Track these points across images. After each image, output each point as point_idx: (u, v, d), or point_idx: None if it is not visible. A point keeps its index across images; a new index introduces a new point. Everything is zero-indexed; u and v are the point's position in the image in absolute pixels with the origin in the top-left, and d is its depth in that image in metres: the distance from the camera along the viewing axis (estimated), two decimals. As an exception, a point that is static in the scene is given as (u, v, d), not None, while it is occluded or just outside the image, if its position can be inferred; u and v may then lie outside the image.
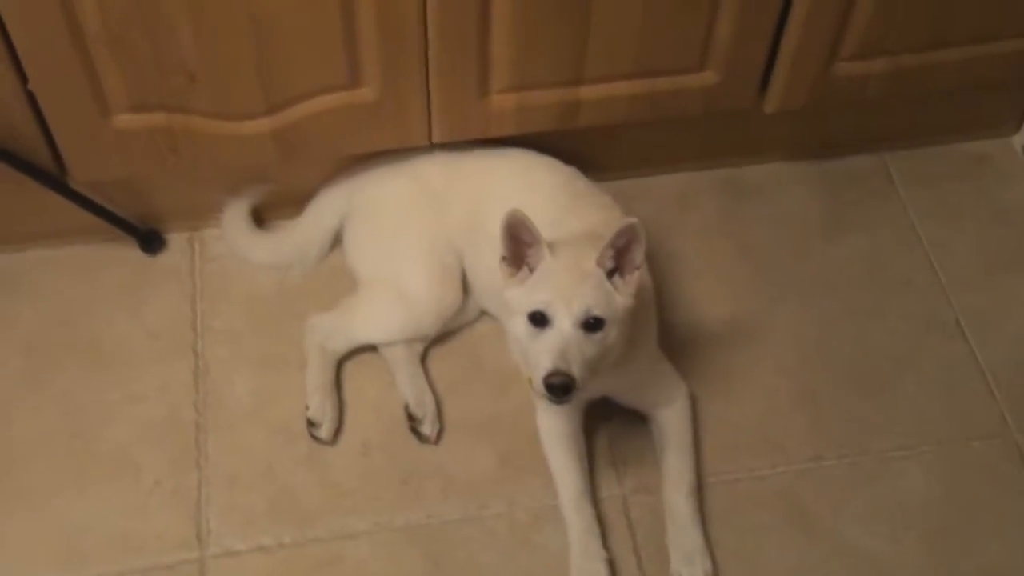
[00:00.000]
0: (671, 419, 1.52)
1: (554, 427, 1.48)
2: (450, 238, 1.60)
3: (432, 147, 1.61)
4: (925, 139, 1.88)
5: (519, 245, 1.31)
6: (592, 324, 1.29)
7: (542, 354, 1.27)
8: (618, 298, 1.31)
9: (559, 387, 1.26)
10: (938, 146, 1.89)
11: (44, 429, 1.55)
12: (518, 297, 1.32)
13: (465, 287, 1.63)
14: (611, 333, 1.30)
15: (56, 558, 1.45)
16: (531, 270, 1.32)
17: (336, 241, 1.72)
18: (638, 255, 1.30)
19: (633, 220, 1.27)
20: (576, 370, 1.26)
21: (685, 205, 1.80)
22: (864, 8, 1.50)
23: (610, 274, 1.31)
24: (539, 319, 1.29)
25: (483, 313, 1.66)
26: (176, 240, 1.74)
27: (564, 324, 1.28)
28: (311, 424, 1.55)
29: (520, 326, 1.31)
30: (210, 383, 1.60)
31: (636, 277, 1.31)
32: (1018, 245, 1.73)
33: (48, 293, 1.67)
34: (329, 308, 1.62)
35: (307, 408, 1.56)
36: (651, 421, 1.54)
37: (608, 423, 1.56)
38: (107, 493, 1.50)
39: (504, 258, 1.32)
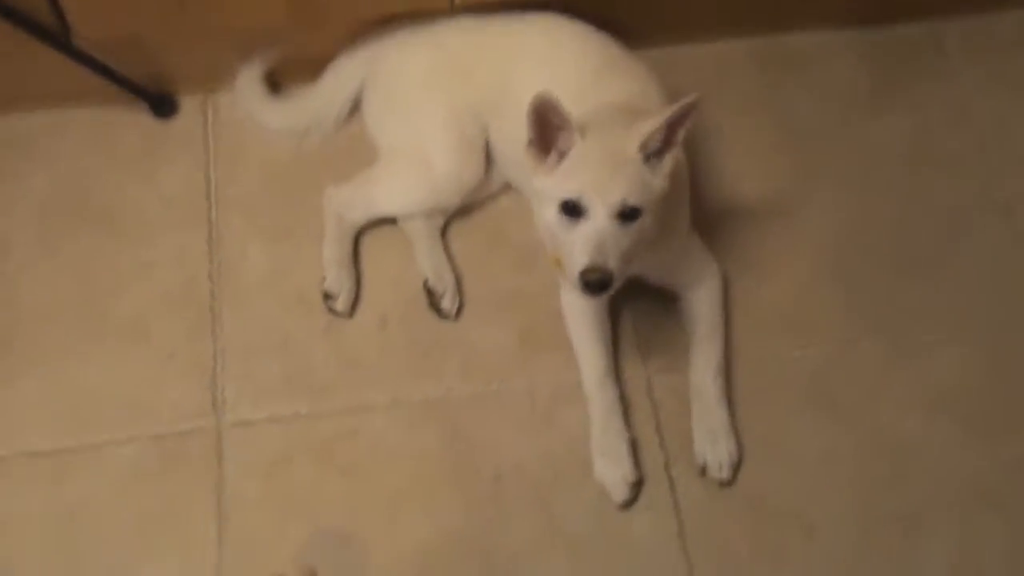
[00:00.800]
0: (702, 299, 1.48)
1: (579, 305, 1.44)
2: (474, 108, 1.52)
3: (454, 12, 1.51)
4: (985, 3, 1.74)
5: (548, 128, 1.23)
6: (628, 214, 1.23)
7: (577, 248, 1.22)
8: (654, 183, 1.25)
9: (596, 283, 1.21)
10: (999, 12, 1.75)
11: (57, 295, 1.52)
12: (548, 186, 1.25)
13: (488, 159, 1.55)
14: (647, 221, 1.25)
15: (65, 422, 1.44)
16: (560, 156, 1.24)
17: (355, 108, 1.65)
18: (681, 134, 1.23)
19: (696, 96, 1.20)
20: (613, 264, 1.21)
21: (723, 76, 1.71)
22: None
23: (646, 157, 1.23)
24: (572, 209, 1.23)
25: (507, 186, 1.60)
26: (189, 104, 1.68)
27: (599, 216, 1.22)
28: (327, 296, 1.52)
29: (551, 215, 1.24)
30: (224, 252, 1.56)
31: (672, 158, 1.24)
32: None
33: (60, 157, 1.63)
34: (348, 178, 1.57)
35: (323, 280, 1.52)
36: (681, 300, 1.50)
37: (634, 303, 1.51)
38: (120, 360, 1.48)
39: (531, 142, 1.24)
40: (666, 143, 1.24)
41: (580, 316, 1.45)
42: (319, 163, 1.62)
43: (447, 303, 1.52)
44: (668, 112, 1.20)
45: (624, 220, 1.23)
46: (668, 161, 1.24)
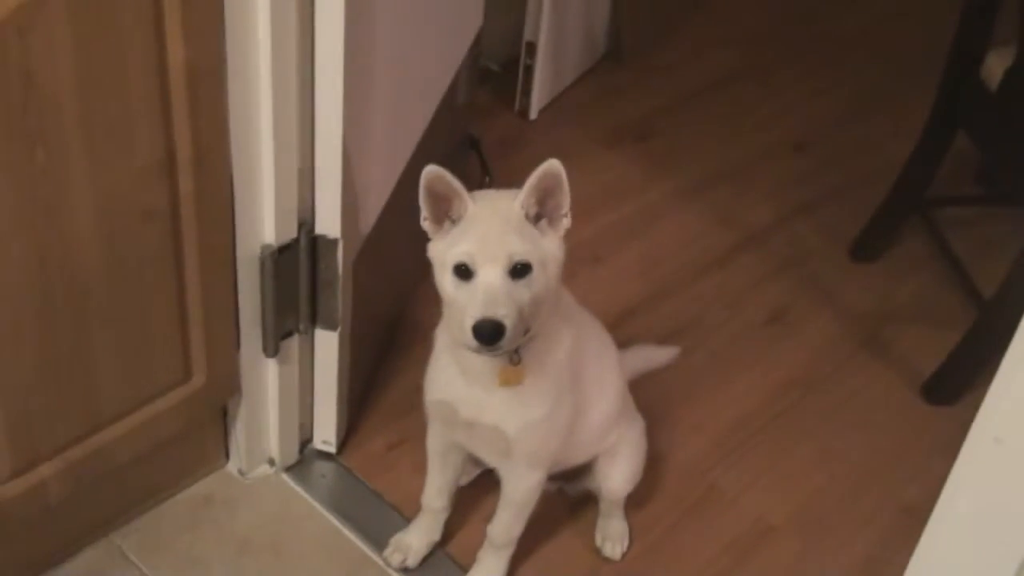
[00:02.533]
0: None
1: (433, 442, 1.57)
2: None
3: None
4: (147, 503, 1.73)
5: (439, 201, 1.28)
6: (519, 270, 1.25)
7: (469, 304, 1.23)
8: (545, 242, 1.28)
9: (487, 333, 1.21)
10: (163, 504, 1.74)
11: None
12: (440, 250, 1.28)
13: None
14: (539, 280, 1.26)
15: None
16: (453, 223, 1.28)
17: None
18: (564, 201, 1.27)
19: (554, 161, 1.24)
20: (504, 314, 1.22)
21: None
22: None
23: (537, 219, 1.27)
24: (464, 271, 1.26)
25: None
26: None
27: (490, 273, 1.25)
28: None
29: (447, 282, 1.28)
30: None
31: (564, 224, 1.29)
32: (265, 568, 1.71)
33: None
34: None
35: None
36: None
37: None
38: None
39: (425, 217, 1.29)
40: (545, 209, 1.28)
41: (433, 445, 1.59)
42: None
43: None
44: (532, 179, 1.26)
45: (515, 276, 1.25)
46: (561, 224, 1.29)
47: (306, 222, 1.59)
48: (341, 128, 1.50)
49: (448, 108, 2.13)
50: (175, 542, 1.71)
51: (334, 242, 1.60)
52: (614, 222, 2.39)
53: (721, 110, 2.79)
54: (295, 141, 1.50)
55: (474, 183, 2.43)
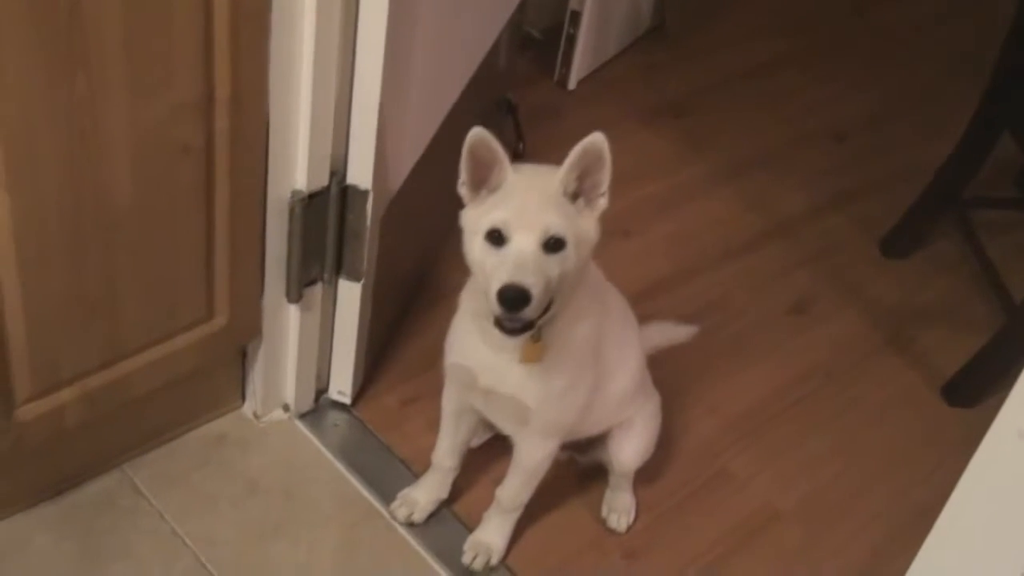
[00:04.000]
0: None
1: (448, 402, 1.58)
2: None
3: None
4: (161, 438, 1.74)
5: (480, 167, 1.26)
6: (552, 244, 1.24)
7: (499, 269, 1.22)
8: (581, 221, 1.27)
9: (513, 299, 1.20)
10: (176, 440, 1.76)
11: None
12: (475, 216, 1.27)
13: None
14: (571, 257, 1.25)
15: None
16: (491, 192, 1.27)
17: None
18: (604, 180, 1.26)
19: (598, 135, 1.23)
20: (532, 283, 1.21)
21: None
22: (18, 346, 1.42)
23: (574, 197, 1.26)
24: (497, 237, 1.25)
25: None
26: None
27: (523, 241, 1.23)
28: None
29: (477, 247, 1.27)
30: None
31: (601, 204, 1.28)
32: (272, 510, 1.72)
33: None
34: None
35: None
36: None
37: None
38: None
39: (464, 181, 1.28)
40: (584, 186, 1.27)
41: (448, 405, 1.59)
42: None
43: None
44: (575, 153, 1.25)
45: (548, 250, 1.24)
46: (597, 204, 1.28)
47: (338, 171, 1.59)
48: (380, 81, 1.50)
49: (487, 71, 2.12)
50: (186, 478, 1.73)
51: (364, 193, 1.60)
52: (646, 198, 2.38)
53: (762, 95, 2.76)
54: (333, 90, 1.50)
55: (508, 148, 2.42)
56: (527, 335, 1.34)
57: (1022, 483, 0.89)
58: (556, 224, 1.27)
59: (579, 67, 2.63)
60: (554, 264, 1.27)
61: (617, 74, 2.74)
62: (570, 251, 1.29)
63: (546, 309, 1.31)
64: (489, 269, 1.28)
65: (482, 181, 1.31)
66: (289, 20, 1.39)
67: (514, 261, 1.25)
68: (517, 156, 2.39)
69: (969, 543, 0.95)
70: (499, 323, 1.29)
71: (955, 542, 0.95)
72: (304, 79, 1.45)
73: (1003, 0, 2.05)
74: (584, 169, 1.26)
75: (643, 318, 1.76)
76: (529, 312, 1.25)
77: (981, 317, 2.16)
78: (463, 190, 1.33)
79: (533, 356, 1.38)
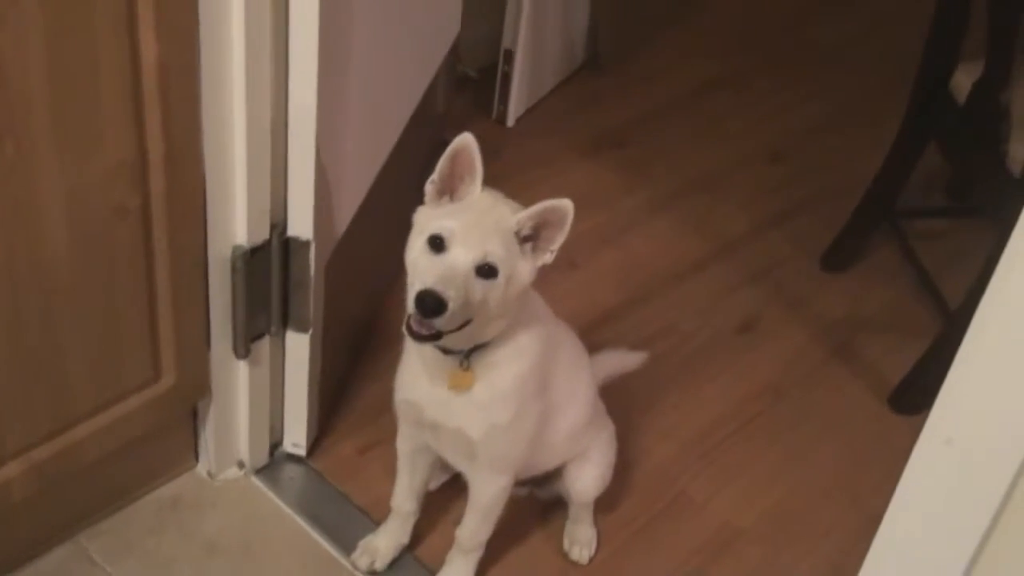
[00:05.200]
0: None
1: (403, 445, 1.58)
2: None
3: None
4: (115, 504, 1.72)
5: (454, 176, 1.29)
6: (485, 270, 1.26)
7: (427, 272, 1.24)
8: (520, 263, 1.29)
9: (429, 304, 1.22)
10: (130, 505, 1.74)
11: None
12: (428, 216, 1.29)
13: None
14: (499, 287, 1.27)
15: None
16: (452, 201, 1.30)
17: None
18: (557, 239, 1.29)
19: (567, 201, 1.26)
20: (452, 297, 1.22)
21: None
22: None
23: (524, 240, 1.28)
24: (437, 244, 1.26)
25: None
26: None
27: (459, 255, 1.25)
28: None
29: (417, 247, 1.29)
30: None
31: (546, 259, 1.31)
32: (233, 570, 1.70)
33: None
34: None
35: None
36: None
37: None
38: None
39: (434, 180, 1.30)
40: (537, 237, 1.30)
41: (403, 446, 1.59)
42: None
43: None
44: (541, 206, 1.28)
45: (480, 274, 1.25)
46: (543, 257, 1.31)
47: (278, 223, 1.60)
48: (314, 130, 1.50)
49: (425, 114, 2.14)
50: (142, 544, 1.70)
51: (306, 244, 1.61)
52: (590, 229, 2.41)
53: (698, 119, 2.81)
54: (268, 142, 1.50)
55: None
56: (453, 359, 1.38)
57: (951, 489, 0.91)
58: (495, 253, 1.29)
59: (516, 104, 2.66)
60: (480, 288, 1.29)
61: (555, 108, 2.78)
62: (500, 282, 1.30)
63: (459, 328, 1.31)
64: (419, 270, 1.30)
65: (450, 190, 1.34)
66: (218, 75, 1.40)
67: (444, 271, 1.27)
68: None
69: (909, 550, 0.97)
70: (408, 325, 1.30)
71: (896, 550, 0.97)
72: (238, 134, 1.46)
73: (929, 13, 2.11)
74: (544, 222, 1.29)
75: (593, 348, 1.77)
76: (440, 323, 1.27)
77: (922, 324, 2.20)
78: (430, 188, 1.34)
79: (462, 383, 1.39)
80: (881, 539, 0.98)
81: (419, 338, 1.31)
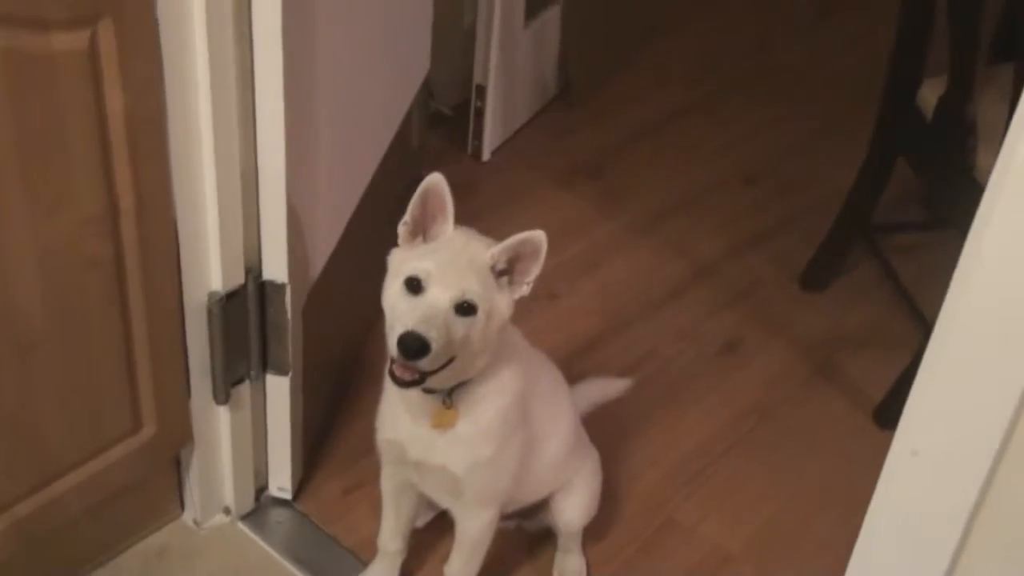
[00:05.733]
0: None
1: (387, 484, 1.59)
2: None
3: None
4: (100, 557, 1.71)
5: (426, 215, 1.30)
6: (464, 308, 1.27)
7: (407, 315, 1.25)
8: (498, 297, 1.30)
9: (412, 347, 1.22)
10: (117, 557, 1.73)
11: None
12: (402, 259, 1.30)
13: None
14: (480, 323, 1.28)
15: None
16: (425, 242, 1.31)
17: None
18: (532, 270, 1.30)
19: (540, 232, 1.28)
20: (435, 337, 1.23)
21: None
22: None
23: (500, 274, 1.30)
24: (414, 286, 1.27)
25: None
26: None
27: (438, 296, 1.26)
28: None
29: (393, 291, 1.29)
30: None
31: (523, 291, 1.32)
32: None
33: None
34: None
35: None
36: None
37: None
38: None
39: (406, 222, 1.31)
40: (513, 270, 1.31)
41: (386, 485, 1.59)
42: None
43: None
44: (515, 239, 1.29)
45: (459, 312, 1.26)
46: (520, 289, 1.32)
47: (253, 268, 1.60)
48: (284, 174, 1.52)
49: (399, 152, 2.16)
50: (134, 593, 1.69)
51: (282, 287, 1.61)
52: (569, 259, 2.42)
53: (671, 145, 2.83)
54: (238, 188, 1.51)
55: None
56: (435, 397, 1.38)
57: (921, 500, 0.92)
58: (473, 291, 1.30)
59: (491, 138, 2.68)
60: (461, 326, 1.30)
61: (529, 141, 2.80)
62: (480, 318, 1.31)
63: (444, 367, 1.32)
64: (398, 314, 1.30)
65: (423, 229, 1.35)
66: (186, 124, 1.41)
67: (424, 312, 1.28)
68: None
69: (885, 563, 0.97)
70: (391, 370, 1.31)
71: (873, 563, 0.98)
72: (208, 181, 1.47)
73: (893, 31, 2.14)
74: (518, 255, 1.30)
75: (577, 376, 1.78)
76: (425, 364, 1.27)
77: (902, 338, 2.21)
78: (402, 230, 1.36)
79: (446, 421, 1.40)
80: (858, 554, 0.99)
81: (404, 384, 1.31)
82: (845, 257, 2.38)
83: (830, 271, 2.39)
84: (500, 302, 1.32)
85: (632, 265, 2.44)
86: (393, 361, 1.31)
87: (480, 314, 1.31)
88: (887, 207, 2.33)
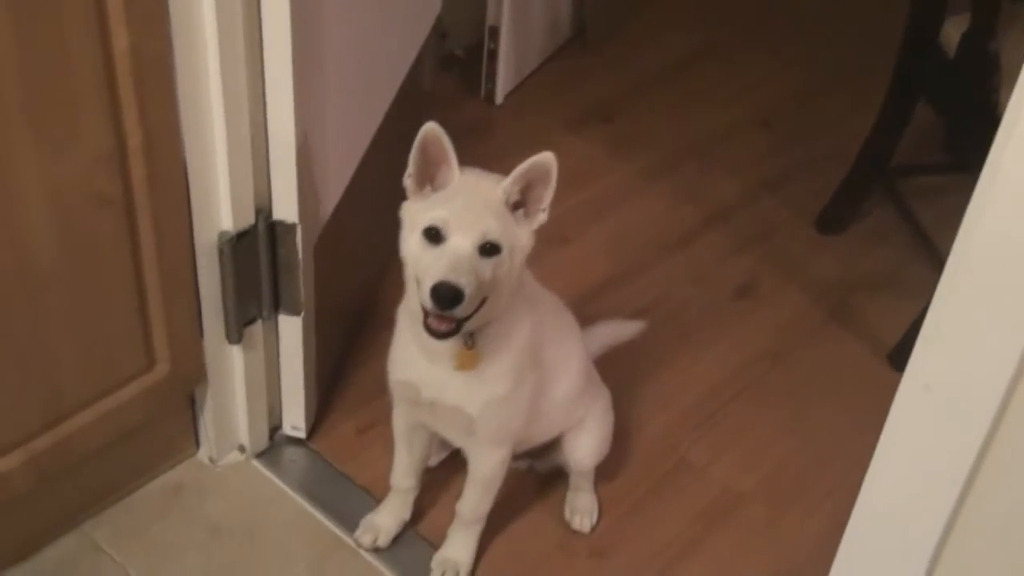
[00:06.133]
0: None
1: (399, 422, 1.59)
2: None
3: None
4: (118, 493, 1.73)
5: (429, 164, 1.28)
6: (488, 249, 1.27)
7: (432, 266, 1.24)
8: (519, 231, 1.30)
9: (445, 297, 1.22)
10: (134, 493, 1.75)
11: None
12: (416, 211, 1.29)
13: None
14: (505, 262, 1.28)
15: None
16: (435, 189, 1.29)
17: None
18: (546, 195, 1.29)
19: (547, 154, 1.26)
20: (466, 283, 1.23)
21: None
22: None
23: (515, 207, 1.29)
24: (434, 235, 1.26)
25: None
26: None
27: (460, 242, 1.26)
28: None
29: (414, 243, 1.28)
30: None
31: (540, 219, 1.31)
32: (238, 553, 1.71)
33: None
34: None
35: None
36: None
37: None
38: None
39: (411, 174, 1.29)
40: (527, 199, 1.30)
41: (399, 424, 1.60)
42: None
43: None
44: (524, 166, 1.28)
45: (483, 253, 1.26)
46: (536, 218, 1.31)
47: (263, 208, 1.60)
48: (294, 113, 1.51)
49: (411, 94, 2.14)
50: (147, 530, 1.72)
51: (292, 227, 1.61)
52: (581, 203, 2.40)
53: (686, 89, 2.80)
54: (247, 127, 1.50)
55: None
56: (456, 339, 1.36)
57: (932, 435, 0.91)
58: (493, 229, 1.29)
59: (504, 81, 2.65)
60: (487, 267, 1.30)
61: (543, 84, 2.77)
62: (504, 257, 1.31)
63: (476, 310, 1.32)
64: (423, 266, 1.30)
65: (429, 178, 1.34)
66: (192, 61, 1.40)
67: (449, 260, 1.27)
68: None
69: (894, 498, 0.97)
70: (427, 324, 1.30)
71: (882, 498, 0.97)
72: (216, 118, 1.46)
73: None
74: (528, 183, 1.29)
75: (589, 320, 1.78)
76: (460, 311, 1.27)
77: (920, 282, 2.18)
78: (408, 182, 1.34)
79: (468, 363, 1.39)
80: (867, 488, 0.98)
81: (441, 335, 1.31)
82: (863, 200, 2.36)
83: (847, 214, 2.37)
84: (520, 235, 1.31)
85: (645, 209, 2.42)
86: (427, 314, 1.30)
87: (504, 252, 1.31)
88: (906, 150, 2.29)
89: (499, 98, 2.64)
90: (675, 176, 2.50)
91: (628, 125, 2.64)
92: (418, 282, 1.31)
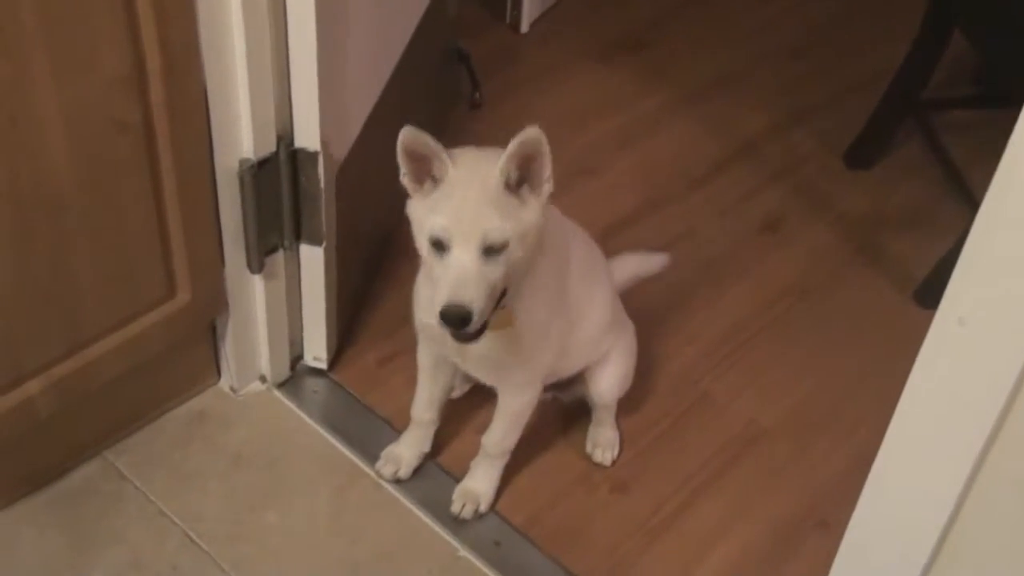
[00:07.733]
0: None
1: (424, 353, 1.58)
2: None
3: None
4: (140, 420, 1.74)
5: (419, 162, 1.25)
6: (492, 249, 1.23)
7: (440, 281, 1.23)
8: (524, 212, 1.25)
9: (453, 319, 1.22)
10: (156, 421, 1.76)
11: None
12: (420, 211, 1.27)
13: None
14: (516, 251, 1.25)
15: None
16: (435, 183, 1.26)
17: None
18: (545, 167, 1.24)
19: (533, 128, 1.21)
20: (472, 299, 1.22)
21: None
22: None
23: (519, 184, 1.24)
24: (439, 245, 1.24)
25: None
26: None
27: (462, 254, 1.23)
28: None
29: (424, 248, 1.27)
30: None
31: (546, 190, 1.26)
32: (259, 481, 1.72)
33: None
34: None
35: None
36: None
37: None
38: None
39: (404, 175, 1.27)
40: (527, 173, 1.25)
41: (423, 359, 1.60)
42: None
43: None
44: (512, 146, 1.22)
45: (489, 255, 1.23)
46: (543, 192, 1.26)
47: (285, 135, 1.57)
48: (315, 39, 1.47)
49: (436, 20, 2.09)
50: (168, 458, 1.72)
51: (314, 155, 1.59)
52: (606, 134, 2.37)
53: (714, 19, 2.73)
54: (268, 52, 1.47)
55: (464, 98, 2.40)
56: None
57: (963, 368, 0.89)
58: (494, 230, 1.25)
59: (530, 9, 2.60)
60: (497, 267, 1.27)
61: (569, 12, 2.71)
62: (513, 247, 1.28)
63: (498, 301, 1.31)
64: (435, 276, 1.29)
65: (424, 173, 1.30)
66: (213, -18, 1.36)
67: (454, 277, 1.25)
68: (474, 106, 2.37)
69: (924, 432, 0.95)
70: (450, 332, 1.30)
71: (912, 432, 0.96)
72: (237, 43, 1.43)
73: None
74: (524, 158, 1.24)
75: (613, 252, 1.75)
76: (472, 327, 1.26)
77: (949, 218, 2.15)
78: (405, 181, 1.32)
79: (503, 322, 1.39)
80: (896, 423, 0.96)
81: (468, 339, 1.30)
82: (893, 134, 2.31)
83: (877, 148, 2.32)
84: (527, 217, 1.27)
85: (672, 141, 2.38)
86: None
87: (512, 244, 1.28)
88: (939, 82, 2.23)
89: (525, 26, 2.59)
90: (703, 107, 2.45)
91: (655, 54, 2.59)
92: (430, 298, 1.31)
